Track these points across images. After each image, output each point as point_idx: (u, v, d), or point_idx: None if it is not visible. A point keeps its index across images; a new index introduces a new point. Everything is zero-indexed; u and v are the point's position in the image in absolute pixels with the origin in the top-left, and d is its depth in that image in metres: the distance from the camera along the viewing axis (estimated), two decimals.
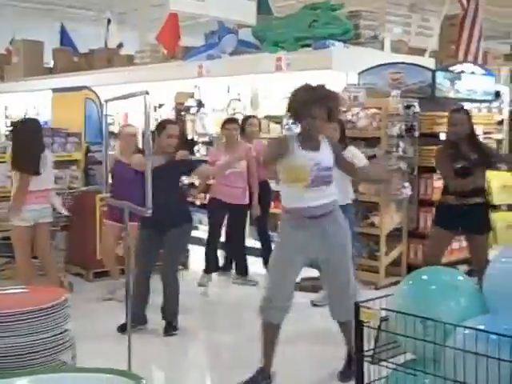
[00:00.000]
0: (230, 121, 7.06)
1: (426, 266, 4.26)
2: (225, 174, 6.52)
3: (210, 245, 6.92)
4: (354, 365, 3.93)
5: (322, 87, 4.14)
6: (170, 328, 5.24)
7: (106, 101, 2.52)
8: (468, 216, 5.18)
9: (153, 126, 5.30)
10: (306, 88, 4.15)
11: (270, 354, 4.20)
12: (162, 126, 5.30)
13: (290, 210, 4.13)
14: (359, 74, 7.43)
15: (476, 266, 5.37)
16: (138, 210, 3.15)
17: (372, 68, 7.37)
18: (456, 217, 5.21)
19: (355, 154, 5.73)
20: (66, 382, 1.26)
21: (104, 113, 2.51)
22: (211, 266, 6.91)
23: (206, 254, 6.92)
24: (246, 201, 6.84)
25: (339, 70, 7.42)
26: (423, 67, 7.31)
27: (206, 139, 9.40)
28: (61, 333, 1.44)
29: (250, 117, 7.47)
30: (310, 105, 4.01)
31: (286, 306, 4.13)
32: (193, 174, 6.39)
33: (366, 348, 2.64)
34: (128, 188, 4.97)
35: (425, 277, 2.68)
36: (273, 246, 4.64)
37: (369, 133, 6.87)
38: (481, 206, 5.29)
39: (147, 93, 2.25)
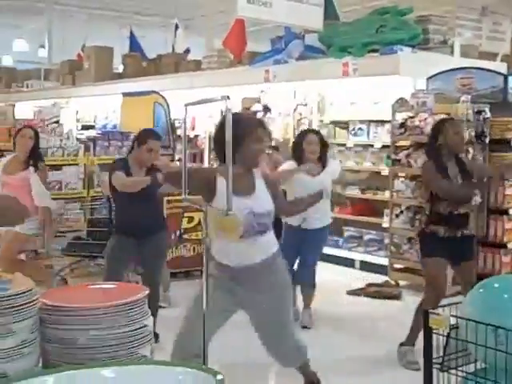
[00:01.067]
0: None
1: (436, 303, 4.08)
2: None
3: None
4: None
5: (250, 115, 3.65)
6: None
7: (187, 105, 2.58)
8: (460, 246, 4.69)
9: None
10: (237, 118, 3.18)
11: None
12: (144, 139, 4.94)
13: (218, 265, 3.47)
14: (428, 79, 7.34)
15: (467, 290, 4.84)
16: None
17: (441, 73, 7.27)
18: (447, 247, 4.64)
19: (334, 171, 5.60)
20: (148, 374, 1.32)
21: (184, 117, 2.56)
22: None
23: None
24: None
25: (407, 76, 7.35)
26: (494, 72, 7.17)
27: (272, 144, 9.44)
28: (141, 327, 1.50)
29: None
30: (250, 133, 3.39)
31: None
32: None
33: (434, 355, 2.61)
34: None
35: (496, 285, 2.63)
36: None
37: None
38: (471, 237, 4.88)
39: (228, 98, 2.28)
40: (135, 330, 1.49)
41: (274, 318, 3.57)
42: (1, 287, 1.48)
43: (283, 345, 3.66)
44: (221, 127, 3.30)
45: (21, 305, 1.42)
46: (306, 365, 3.95)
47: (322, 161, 5.57)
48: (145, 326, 1.52)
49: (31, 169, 6.01)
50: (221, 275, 3.45)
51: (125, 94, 9.13)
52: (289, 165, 5.63)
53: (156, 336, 4.72)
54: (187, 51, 12.30)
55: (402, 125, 7.06)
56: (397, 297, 6.64)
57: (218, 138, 3.35)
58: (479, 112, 6.73)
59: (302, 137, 5.73)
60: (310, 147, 5.53)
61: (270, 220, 3.43)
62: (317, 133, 5.86)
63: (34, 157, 6.11)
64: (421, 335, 2.74)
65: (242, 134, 3.33)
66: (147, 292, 1.58)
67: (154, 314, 4.99)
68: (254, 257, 3.43)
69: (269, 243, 3.50)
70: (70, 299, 1.57)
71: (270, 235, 3.50)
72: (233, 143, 2.86)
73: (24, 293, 1.44)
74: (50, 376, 1.32)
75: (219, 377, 1.25)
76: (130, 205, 4.81)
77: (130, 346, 1.47)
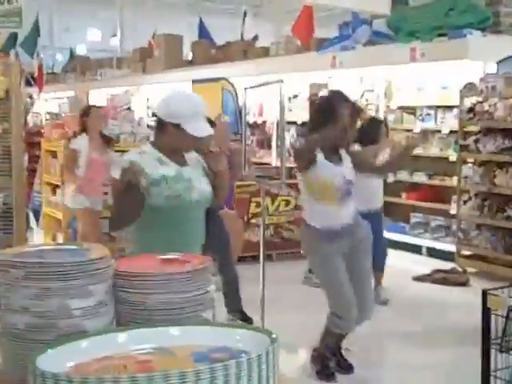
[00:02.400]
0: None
1: None
2: None
3: None
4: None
5: (342, 97, 3.97)
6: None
7: (246, 88, 2.68)
8: None
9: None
10: (338, 97, 3.96)
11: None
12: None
13: (317, 229, 3.96)
14: (498, 63, 7.21)
15: None
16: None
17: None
18: None
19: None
20: (210, 333, 1.45)
21: (243, 100, 2.67)
22: None
23: None
24: None
25: (476, 60, 7.24)
26: None
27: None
28: (203, 293, 1.63)
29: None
30: (334, 114, 3.82)
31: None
32: None
33: (493, 336, 2.65)
34: None
35: None
36: None
37: (507, 124, 6.66)
38: None
39: (282, 81, 2.36)
40: (198, 295, 1.62)
41: (365, 266, 4.11)
42: (81, 254, 1.64)
43: (369, 292, 4.14)
44: (318, 105, 4.01)
45: (97, 269, 1.57)
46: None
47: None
48: (207, 291, 1.65)
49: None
50: (324, 241, 3.92)
51: (194, 81, 9.33)
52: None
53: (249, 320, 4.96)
54: (255, 38, 12.41)
55: (471, 110, 6.98)
56: (464, 284, 6.60)
57: (314, 115, 4.03)
58: None
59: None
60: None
61: (353, 186, 3.96)
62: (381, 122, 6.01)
63: (109, 138, 6.44)
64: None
65: (337, 110, 3.81)
66: (210, 261, 1.70)
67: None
68: (348, 216, 3.96)
69: (353, 205, 4.02)
70: (140, 266, 1.72)
71: (353, 198, 4.01)
72: (327, 119, 3.72)
73: (100, 258, 1.59)
74: (124, 332, 1.48)
75: (273, 336, 1.36)
76: None
77: (193, 309, 1.60)
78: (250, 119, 10.47)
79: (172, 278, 1.59)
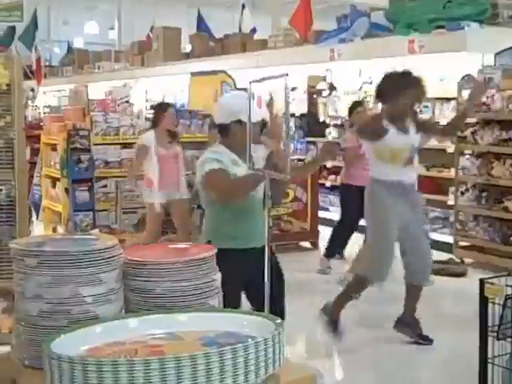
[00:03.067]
0: (360, 104, 7.04)
1: None
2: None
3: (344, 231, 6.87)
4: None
5: (411, 73, 4.51)
6: None
7: (251, 82, 2.72)
8: None
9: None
10: (399, 73, 4.57)
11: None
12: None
13: (384, 181, 4.47)
14: (496, 55, 7.24)
15: None
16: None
17: (510, 49, 7.15)
18: None
19: None
20: (217, 319, 1.50)
21: (249, 94, 2.72)
22: (334, 250, 6.89)
23: (336, 239, 6.87)
24: None
25: (474, 52, 7.27)
26: None
27: (338, 122, 9.51)
28: (210, 281, 1.69)
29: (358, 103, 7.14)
30: (404, 89, 4.35)
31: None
32: None
33: (490, 324, 2.70)
34: None
35: None
36: None
37: (504, 115, 6.71)
38: None
39: (287, 75, 2.41)
40: (205, 283, 1.67)
41: (421, 226, 4.65)
42: (91, 243, 1.69)
43: (426, 253, 4.60)
44: (385, 81, 4.51)
45: (108, 257, 1.62)
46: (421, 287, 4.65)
47: None
48: (214, 280, 1.70)
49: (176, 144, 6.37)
50: (389, 195, 4.41)
51: (193, 74, 9.35)
52: None
53: None
54: (253, 31, 12.42)
55: None
56: (462, 274, 6.65)
57: (385, 89, 4.46)
58: None
59: None
60: None
61: (416, 152, 4.54)
62: None
63: (175, 132, 6.48)
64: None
65: (406, 85, 4.36)
66: (216, 250, 1.75)
67: None
68: (411, 177, 4.52)
69: (416, 168, 4.68)
70: (149, 255, 1.77)
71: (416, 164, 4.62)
72: (395, 92, 4.32)
73: (111, 247, 1.64)
74: (135, 318, 1.53)
75: (277, 321, 1.41)
76: None
77: (200, 296, 1.66)
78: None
79: (180, 266, 1.64)
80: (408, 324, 4.63)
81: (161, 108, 6.49)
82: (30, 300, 1.61)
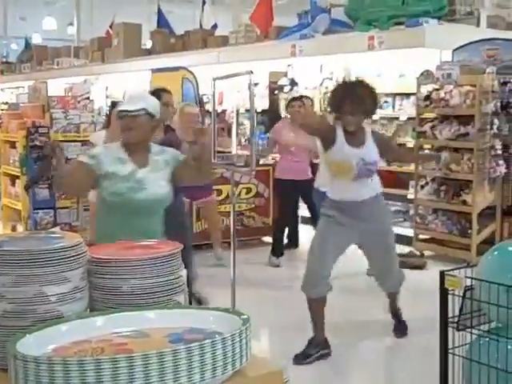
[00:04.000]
0: (295, 99, 7.00)
1: None
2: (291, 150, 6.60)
3: (281, 227, 7.02)
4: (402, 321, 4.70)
5: (360, 83, 4.26)
6: None
7: (215, 79, 2.73)
8: None
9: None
10: (343, 85, 4.37)
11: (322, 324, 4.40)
12: (157, 94, 4.87)
13: (336, 200, 4.29)
14: (453, 51, 7.37)
15: None
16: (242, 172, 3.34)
17: (467, 45, 7.29)
18: None
19: None
20: (183, 315, 1.51)
21: (212, 90, 2.73)
22: (280, 248, 6.96)
23: (279, 236, 7.01)
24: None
25: (432, 48, 7.39)
26: None
27: None
28: (176, 278, 1.69)
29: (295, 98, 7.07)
30: (344, 101, 4.12)
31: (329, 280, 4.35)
32: None
33: (450, 315, 2.75)
34: None
35: (510, 248, 2.76)
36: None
37: (462, 110, 6.83)
38: None
39: (251, 72, 2.43)
40: (171, 279, 1.68)
41: (384, 241, 4.42)
42: (55, 241, 1.68)
43: (392, 267, 4.54)
44: (336, 90, 4.30)
45: (73, 255, 1.61)
46: (397, 294, 4.77)
47: None
48: (180, 276, 1.71)
49: None
50: (336, 213, 4.26)
51: (154, 71, 9.29)
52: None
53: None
54: (214, 27, 12.40)
55: (427, 97, 7.12)
56: (421, 267, 6.76)
57: (332, 99, 4.30)
58: (505, 83, 6.76)
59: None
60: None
61: (375, 168, 4.32)
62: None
63: None
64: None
65: (356, 98, 4.11)
66: (181, 247, 1.76)
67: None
68: (364, 194, 4.26)
69: (375, 184, 4.37)
70: (114, 253, 1.76)
71: (376, 179, 4.38)
72: (345, 105, 4.05)
73: (75, 245, 1.63)
74: (101, 317, 1.53)
75: (244, 316, 1.43)
76: None
77: (166, 293, 1.66)
78: (210, 108, 10.50)
79: (146, 263, 1.65)
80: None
81: (113, 106, 6.34)
82: None
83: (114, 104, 6.60)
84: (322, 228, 4.35)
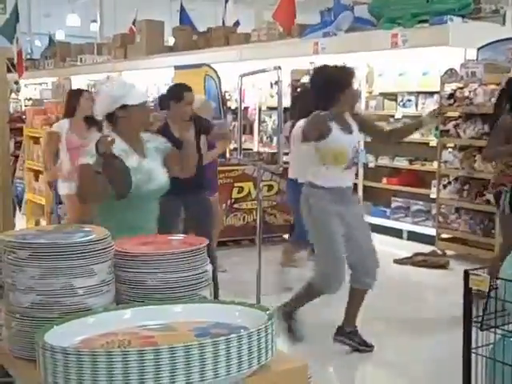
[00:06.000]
0: None
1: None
2: None
3: None
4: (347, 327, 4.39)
5: (341, 68, 4.28)
6: None
7: (242, 75, 2.74)
8: None
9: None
10: (334, 69, 4.30)
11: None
12: (181, 94, 4.90)
13: (328, 188, 4.22)
14: (478, 49, 7.30)
15: None
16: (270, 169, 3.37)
17: (492, 43, 7.22)
18: None
19: None
20: (209, 310, 1.51)
21: (239, 87, 2.73)
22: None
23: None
24: None
25: (456, 46, 7.33)
26: None
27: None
28: (201, 272, 1.70)
29: None
30: (341, 87, 4.12)
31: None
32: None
33: (474, 315, 2.73)
34: None
35: None
36: None
37: (486, 109, 6.77)
38: None
39: (280, 68, 2.43)
40: (197, 274, 1.69)
41: (365, 228, 4.39)
42: (83, 234, 1.70)
43: (371, 255, 4.33)
44: (316, 76, 4.31)
45: (100, 249, 1.63)
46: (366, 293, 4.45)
47: None
48: (205, 271, 1.71)
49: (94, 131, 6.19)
50: (330, 201, 4.21)
51: (176, 68, 9.32)
52: None
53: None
54: (237, 24, 12.40)
55: (451, 95, 7.07)
56: (444, 266, 6.72)
57: (317, 88, 4.24)
58: None
59: None
60: None
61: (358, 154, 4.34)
62: None
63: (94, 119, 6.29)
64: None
65: (345, 82, 4.15)
66: (207, 242, 1.77)
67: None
68: (351, 181, 4.36)
69: (354, 171, 4.47)
70: (141, 247, 1.78)
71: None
72: (336, 90, 4.06)
73: (103, 239, 1.65)
74: (128, 310, 1.54)
75: (269, 311, 1.43)
76: None
77: (192, 288, 1.67)
78: (232, 105, 10.51)
79: (171, 257, 1.66)
80: (349, 334, 4.41)
81: (74, 95, 6.24)
82: (21, 292, 1.61)
83: (77, 92, 6.36)
84: (324, 222, 4.20)
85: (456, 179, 7.18)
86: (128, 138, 3.15)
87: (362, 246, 4.29)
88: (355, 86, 4.28)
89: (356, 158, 4.29)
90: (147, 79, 12.91)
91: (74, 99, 6.16)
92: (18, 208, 8.37)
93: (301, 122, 4.71)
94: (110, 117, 3.19)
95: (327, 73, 4.25)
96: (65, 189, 6.14)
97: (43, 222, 7.57)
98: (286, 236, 7.81)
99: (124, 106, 3.11)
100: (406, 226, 8.02)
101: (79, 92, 6.34)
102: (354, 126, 4.27)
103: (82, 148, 5.86)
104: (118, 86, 3.20)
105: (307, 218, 4.33)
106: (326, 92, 4.17)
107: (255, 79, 9.25)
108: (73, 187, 6.13)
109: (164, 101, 5.18)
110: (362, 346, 4.39)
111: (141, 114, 3.15)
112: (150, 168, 3.14)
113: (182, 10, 13.97)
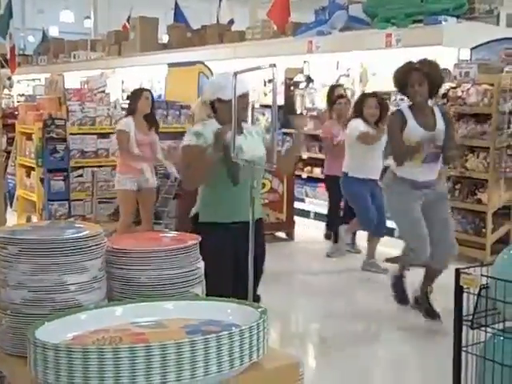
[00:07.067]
0: (341, 96, 7.16)
1: None
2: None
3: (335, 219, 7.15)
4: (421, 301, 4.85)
5: (425, 60, 4.58)
6: None
7: (236, 73, 2.73)
8: None
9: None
10: (408, 62, 4.70)
11: None
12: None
13: (404, 179, 4.59)
14: (472, 49, 7.33)
15: None
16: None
17: (485, 43, 7.25)
18: None
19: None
20: (201, 307, 1.51)
21: (233, 85, 2.73)
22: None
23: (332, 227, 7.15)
24: None
25: (450, 46, 7.35)
26: None
27: (315, 114, 9.54)
28: (194, 269, 1.70)
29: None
30: (409, 73, 4.48)
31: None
32: None
33: (464, 314, 2.74)
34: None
35: None
36: None
37: (479, 109, 6.79)
38: None
39: (275, 65, 2.45)
40: (189, 271, 1.69)
41: (445, 214, 4.77)
42: (75, 231, 1.69)
43: (449, 238, 4.79)
44: (400, 72, 4.70)
45: (92, 246, 1.62)
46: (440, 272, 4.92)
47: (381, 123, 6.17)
48: (197, 268, 1.71)
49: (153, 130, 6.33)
50: (409, 189, 4.60)
51: (170, 65, 9.30)
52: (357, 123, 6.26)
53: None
54: (231, 22, 12.39)
55: (444, 95, 7.08)
56: None
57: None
58: None
59: (362, 101, 6.38)
60: (370, 111, 6.25)
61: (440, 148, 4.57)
62: (376, 96, 6.47)
63: (153, 118, 6.37)
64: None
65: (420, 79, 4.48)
66: (199, 239, 1.77)
67: None
68: (432, 176, 4.63)
69: (438, 165, 4.68)
70: (132, 244, 1.77)
71: (440, 163, 4.69)
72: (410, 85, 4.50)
73: (95, 236, 1.64)
74: (119, 306, 1.54)
75: (261, 309, 1.43)
76: None
77: (184, 285, 1.67)
78: None
79: (164, 254, 1.66)
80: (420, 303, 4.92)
81: (136, 94, 6.39)
82: (12, 288, 1.61)
83: (135, 91, 6.57)
84: (406, 205, 4.60)
85: (448, 178, 7.19)
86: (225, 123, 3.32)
87: (440, 233, 4.71)
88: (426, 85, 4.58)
89: (436, 154, 4.62)
90: (141, 76, 12.89)
91: (135, 98, 6.28)
92: (9, 204, 8.33)
93: (354, 123, 5.57)
94: (212, 104, 3.47)
95: (403, 67, 4.71)
96: (123, 185, 6.21)
97: (34, 219, 7.54)
98: (278, 234, 7.82)
99: (219, 100, 3.37)
100: None
101: (140, 91, 6.45)
102: (439, 121, 4.59)
103: (146, 145, 6.12)
104: (220, 78, 3.49)
105: (389, 205, 4.95)
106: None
107: (248, 77, 9.22)
108: (131, 184, 6.17)
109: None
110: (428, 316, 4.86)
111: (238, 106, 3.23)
112: (241, 145, 3.29)
113: (177, 8, 13.94)
